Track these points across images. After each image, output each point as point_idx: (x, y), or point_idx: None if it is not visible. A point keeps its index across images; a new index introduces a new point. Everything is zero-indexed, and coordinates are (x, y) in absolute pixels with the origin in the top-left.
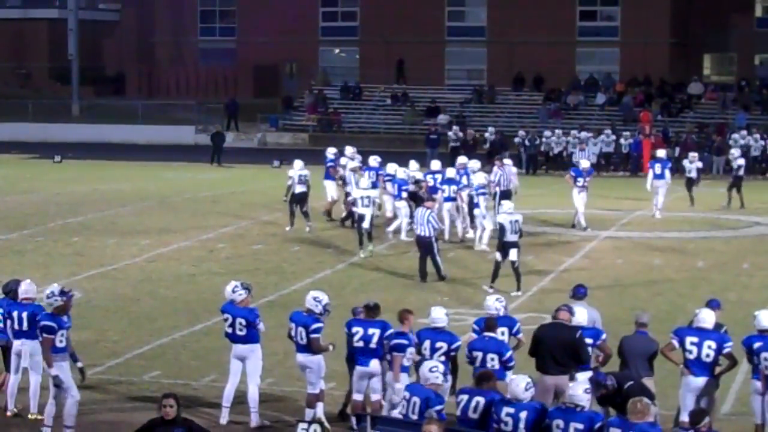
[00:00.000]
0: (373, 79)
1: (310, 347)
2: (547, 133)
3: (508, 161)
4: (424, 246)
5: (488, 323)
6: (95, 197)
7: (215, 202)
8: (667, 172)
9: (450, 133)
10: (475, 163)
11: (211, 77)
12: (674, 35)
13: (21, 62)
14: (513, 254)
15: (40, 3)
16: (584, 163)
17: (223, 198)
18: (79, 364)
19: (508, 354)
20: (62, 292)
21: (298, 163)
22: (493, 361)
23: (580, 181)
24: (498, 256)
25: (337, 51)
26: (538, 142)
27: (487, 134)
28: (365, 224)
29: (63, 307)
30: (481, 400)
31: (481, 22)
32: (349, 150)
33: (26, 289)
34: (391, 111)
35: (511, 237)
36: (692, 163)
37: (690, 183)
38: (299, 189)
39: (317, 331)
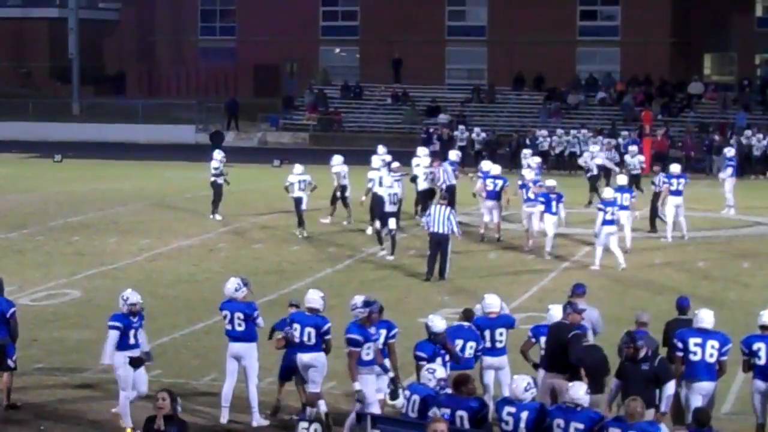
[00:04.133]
0: (373, 78)
1: (323, 347)
2: (543, 132)
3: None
4: (439, 243)
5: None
6: (95, 196)
7: None
8: (729, 169)
9: (456, 133)
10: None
11: (211, 76)
12: (675, 35)
13: (21, 61)
14: (392, 223)
15: (40, 2)
16: (674, 168)
17: (223, 197)
18: (391, 375)
19: (482, 346)
20: (366, 303)
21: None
22: (471, 349)
23: (674, 184)
24: (377, 224)
25: (337, 50)
26: (538, 142)
27: (474, 135)
28: (303, 206)
29: (368, 319)
30: (417, 397)
31: (482, 21)
32: (381, 150)
33: (131, 298)
34: (391, 110)
35: (389, 208)
36: (592, 160)
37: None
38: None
39: (330, 331)
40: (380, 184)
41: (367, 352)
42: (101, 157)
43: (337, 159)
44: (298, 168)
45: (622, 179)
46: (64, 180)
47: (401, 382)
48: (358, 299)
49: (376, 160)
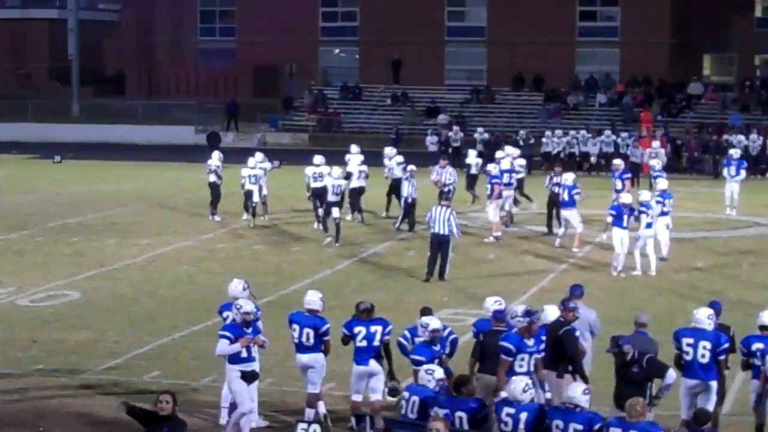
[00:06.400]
0: (372, 79)
1: (322, 348)
2: (548, 133)
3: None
4: (440, 244)
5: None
6: (95, 197)
7: None
8: (743, 172)
9: (450, 134)
10: None
11: (210, 77)
12: (674, 35)
13: (21, 62)
14: (335, 212)
15: (39, 3)
16: (654, 162)
17: (222, 198)
18: (548, 395)
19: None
20: (527, 313)
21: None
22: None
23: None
24: (321, 212)
25: (336, 51)
26: (533, 142)
27: (477, 134)
28: (255, 198)
29: (527, 329)
30: (416, 399)
31: (481, 22)
32: (354, 148)
33: (244, 307)
34: (390, 111)
35: (332, 198)
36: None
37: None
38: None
39: (329, 332)
40: (319, 178)
41: (520, 364)
42: (101, 157)
43: (257, 156)
44: (251, 162)
45: (663, 183)
46: (63, 181)
47: (398, 382)
48: (519, 308)
49: (317, 158)
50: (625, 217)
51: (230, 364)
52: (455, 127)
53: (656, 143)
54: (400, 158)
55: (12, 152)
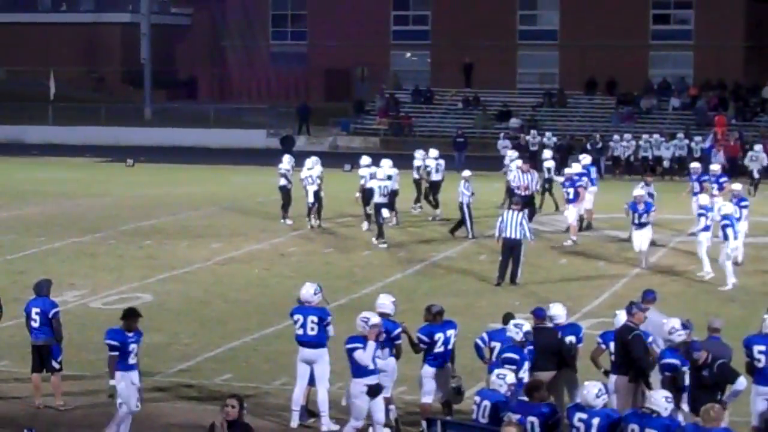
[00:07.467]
0: (444, 82)
1: (393, 352)
2: (616, 137)
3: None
4: (512, 248)
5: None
6: (167, 201)
7: None
8: None
9: (528, 138)
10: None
11: (282, 81)
12: (749, 39)
13: (94, 66)
14: (385, 212)
15: (113, 7)
16: (715, 168)
17: (294, 201)
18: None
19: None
20: (685, 326)
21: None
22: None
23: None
24: (385, 213)
25: (408, 55)
26: (600, 146)
27: (545, 139)
28: (310, 199)
29: (686, 342)
30: (488, 403)
31: (554, 25)
32: (433, 152)
33: (371, 319)
34: (462, 115)
35: (380, 199)
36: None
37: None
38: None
39: (400, 336)
40: (372, 178)
41: (684, 377)
42: (173, 161)
43: (312, 159)
44: (308, 163)
45: (737, 187)
46: (136, 184)
47: (460, 378)
48: (675, 322)
49: (365, 159)
50: (729, 230)
51: (355, 378)
52: (532, 131)
53: (758, 147)
54: (434, 162)
55: (85, 155)
